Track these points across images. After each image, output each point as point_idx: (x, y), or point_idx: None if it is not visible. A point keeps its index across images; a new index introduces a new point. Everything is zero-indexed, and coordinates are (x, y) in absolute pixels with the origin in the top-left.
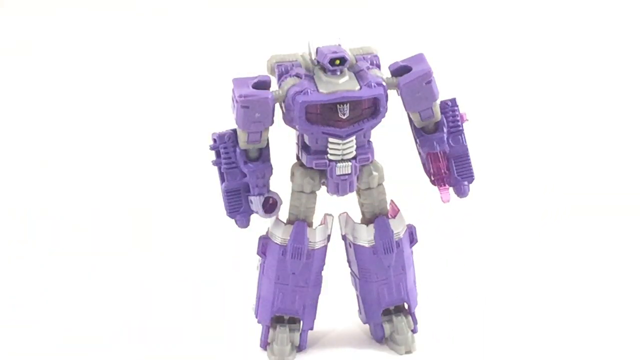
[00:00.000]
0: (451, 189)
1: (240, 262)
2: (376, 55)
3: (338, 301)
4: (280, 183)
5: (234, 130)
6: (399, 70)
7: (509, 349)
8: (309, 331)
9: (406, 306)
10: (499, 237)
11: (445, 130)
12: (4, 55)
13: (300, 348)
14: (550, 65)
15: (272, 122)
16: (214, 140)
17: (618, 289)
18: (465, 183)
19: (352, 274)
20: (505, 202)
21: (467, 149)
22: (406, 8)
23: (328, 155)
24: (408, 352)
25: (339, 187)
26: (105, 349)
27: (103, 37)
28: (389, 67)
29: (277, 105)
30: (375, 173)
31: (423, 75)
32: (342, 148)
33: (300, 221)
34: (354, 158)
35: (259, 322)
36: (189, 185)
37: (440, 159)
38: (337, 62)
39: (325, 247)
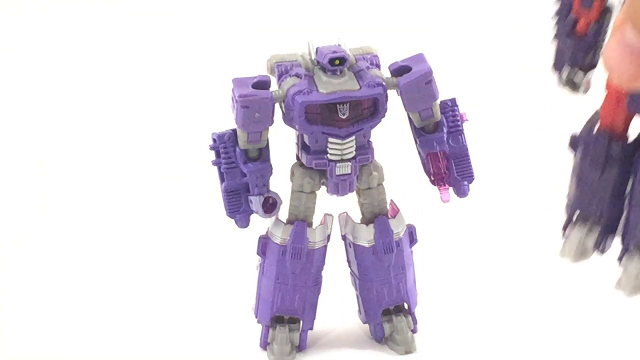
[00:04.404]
0: (451, 188)
1: (240, 262)
2: (376, 55)
3: (338, 301)
4: (280, 183)
5: (234, 130)
6: (399, 70)
7: (509, 349)
8: (309, 331)
9: (406, 306)
10: (499, 237)
11: (445, 130)
12: (4, 55)
13: (300, 348)
14: (550, 64)
15: (272, 122)
16: (214, 140)
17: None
18: (465, 183)
19: (352, 274)
20: (506, 202)
21: (467, 149)
22: (406, 8)
23: (328, 155)
24: (408, 352)
25: (339, 187)
26: (106, 349)
27: (103, 38)
28: (389, 67)
29: (277, 105)
30: (375, 173)
31: (423, 75)
32: (341, 148)
33: (300, 221)
34: (354, 158)
35: (258, 322)
36: (189, 185)
37: (440, 159)
38: (337, 62)
39: (325, 247)
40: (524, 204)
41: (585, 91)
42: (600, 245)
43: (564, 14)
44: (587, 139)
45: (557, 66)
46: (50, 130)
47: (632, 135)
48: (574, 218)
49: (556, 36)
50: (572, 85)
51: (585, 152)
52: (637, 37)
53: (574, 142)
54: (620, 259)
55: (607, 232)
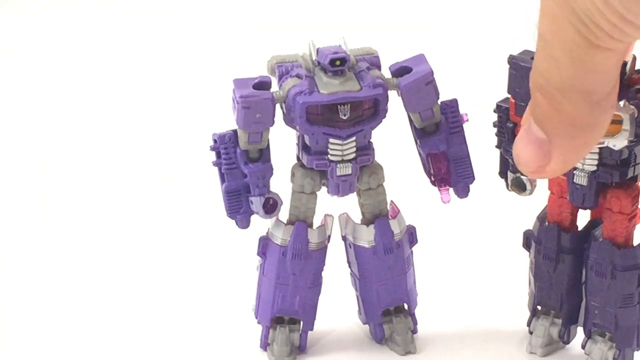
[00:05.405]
0: (451, 189)
1: (240, 262)
2: (376, 56)
3: (338, 301)
4: (281, 183)
5: (235, 131)
6: (400, 71)
7: (509, 349)
8: (309, 332)
9: (406, 307)
10: (499, 238)
11: (445, 131)
12: (4, 55)
13: (300, 349)
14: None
15: (273, 122)
16: (215, 141)
17: None
18: (466, 184)
19: (352, 274)
20: (506, 202)
21: (467, 150)
22: (406, 8)
23: (328, 156)
24: (408, 352)
25: (340, 188)
26: (106, 349)
27: (103, 38)
28: (390, 68)
29: (277, 106)
30: (375, 174)
31: (424, 76)
32: (342, 149)
33: (300, 222)
34: (355, 159)
35: (259, 322)
36: (190, 186)
37: (441, 160)
38: (338, 62)
39: (326, 247)
40: (524, 205)
41: (532, 191)
42: (564, 336)
43: (503, 122)
44: (538, 235)
45: (502, 173)
46: (50, 130)
47: (582, 224)
48: (537, 312)
49: (499, 144)
50: (519, 187)
51: (538, 248)
52: (539, 131)
53: (527, 240)
54: (583, 346)
55: (569, 323)
